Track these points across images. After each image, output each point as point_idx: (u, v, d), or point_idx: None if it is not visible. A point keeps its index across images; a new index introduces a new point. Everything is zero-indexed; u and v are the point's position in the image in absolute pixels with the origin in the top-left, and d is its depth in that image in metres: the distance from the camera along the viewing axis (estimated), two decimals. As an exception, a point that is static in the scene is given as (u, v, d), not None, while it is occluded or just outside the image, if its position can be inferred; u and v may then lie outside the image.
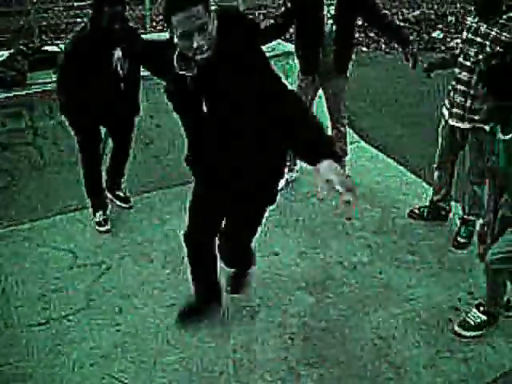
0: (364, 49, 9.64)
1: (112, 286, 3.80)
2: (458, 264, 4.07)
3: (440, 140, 4.24)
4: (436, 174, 4.40)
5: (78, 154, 4.30)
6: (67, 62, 3.92)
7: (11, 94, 4.75)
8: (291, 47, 5.55)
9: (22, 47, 5.50)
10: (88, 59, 3.78)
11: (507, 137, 3.02)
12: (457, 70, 3.88)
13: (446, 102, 4.06)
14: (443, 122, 4.14)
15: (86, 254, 4.09)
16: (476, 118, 3.79)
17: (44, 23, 9.77)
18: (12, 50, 5.34)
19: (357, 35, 9.98)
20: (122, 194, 4.72)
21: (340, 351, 3.32)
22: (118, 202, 4.68)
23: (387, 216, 4.61)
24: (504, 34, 3.54)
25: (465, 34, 3.80)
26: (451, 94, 3.97)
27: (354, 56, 4.75)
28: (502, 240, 3.23)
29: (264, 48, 2.52)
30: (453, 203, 4.56)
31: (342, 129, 4.84)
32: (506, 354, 3.34)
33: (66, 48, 4.01)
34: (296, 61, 4.94)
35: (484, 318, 3.43)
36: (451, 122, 4.00)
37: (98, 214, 4.39)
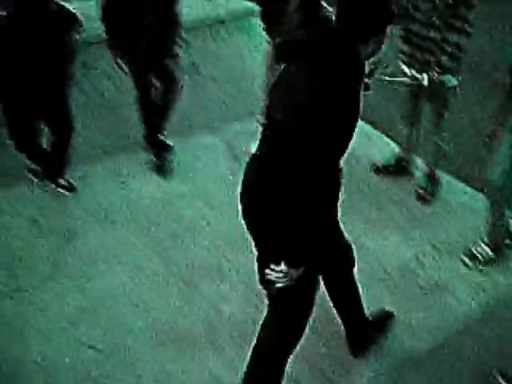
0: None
1: (77, 252, 3.76)
2: (423, 219, 4.13)
3: (403, 96, 4.26)
4: (400, 129, 4.45)
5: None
6: None
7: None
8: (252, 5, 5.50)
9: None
10: None
11: None
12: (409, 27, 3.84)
13: (403, 57, 4.04)
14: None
15: (49, 222, 4.03)
16: (434, 70, 3.82)
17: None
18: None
19: None
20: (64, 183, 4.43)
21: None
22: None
23: (353, 173, 4.61)
24: None
25: None
26: (406, 49, 3.96)
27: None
28: (502, 156, 3.38)
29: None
30: (417, 158, 4.60)
31: None
32: (468, 304, 3.43)
33: None
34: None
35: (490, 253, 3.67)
36: (407, 71, 4.00)
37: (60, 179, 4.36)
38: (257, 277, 2.63)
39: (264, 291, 2.60)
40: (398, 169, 4.56)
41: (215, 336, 3.19)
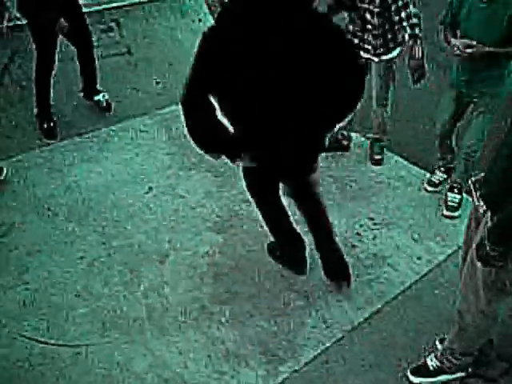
0: None
1: (16, 245, 3.69)
2: (360, 193, 4.23)
3: None
4: None
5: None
6: None
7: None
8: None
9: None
10: None
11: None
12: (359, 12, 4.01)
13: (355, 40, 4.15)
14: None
15: (-15, 215, 3.94)
16: (381, 50, 4.09)
17: None
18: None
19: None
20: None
21: (250, 286, 3.41)
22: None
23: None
24: None
25: None
26: (358, 33, 4.10)
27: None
28: (475, 130, 3.81)
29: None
30: (353, 134, 4.70)
31: None
32: (405, 273, 3.55)
33: None
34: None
35: (460, 196, 4.02)
36: (363, 55, 4.15)
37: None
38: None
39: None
40: (336, 145, 4.63)
41: (159, 320, 3.20)
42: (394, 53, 4.15)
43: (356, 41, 4.14)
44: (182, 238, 3.75)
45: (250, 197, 3.40)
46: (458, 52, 3.54)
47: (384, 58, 4.15)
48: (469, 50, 3.48)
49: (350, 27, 4.14)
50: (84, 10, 4.95)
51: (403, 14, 3.80)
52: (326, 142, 3.04)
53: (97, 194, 4.13)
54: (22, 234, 3.79)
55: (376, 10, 3.90)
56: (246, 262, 3.59)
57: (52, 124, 4.74)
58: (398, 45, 4.12)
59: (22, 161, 4.48)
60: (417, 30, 3.80)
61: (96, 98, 5.04)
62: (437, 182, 4.26)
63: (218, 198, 4.08)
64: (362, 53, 4.13)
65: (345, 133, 4.61)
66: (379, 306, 3.31)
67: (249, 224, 3.86)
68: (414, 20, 3.80)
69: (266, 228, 3.67)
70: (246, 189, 3.38)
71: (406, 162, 4.59)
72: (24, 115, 4.82)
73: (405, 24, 3.82)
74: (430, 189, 4.26)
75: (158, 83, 5.42)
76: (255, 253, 3.65)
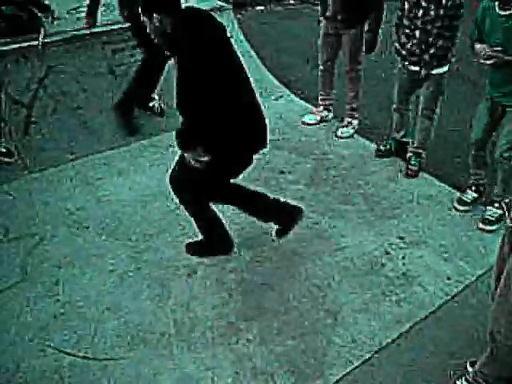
0: (292, 1, 9.56)
1: (47, 257, 3.74)
2: (389, 211, 4.21)
3: (397, 85, 4.64)
4: (395, 115, 4.80)
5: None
6: None
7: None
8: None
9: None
10: None
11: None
12: (407, 27, 4.28)
13: (403, 51, 4.38)
14: (399, 69, 4.53)
15: (17, 227, 3.99)
16: (434, 63, 4.26)
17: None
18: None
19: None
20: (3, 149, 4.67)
21: (278, 303, 3.40)
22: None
23: (319, 168, 4.69)
24: None
25: None
26: (405, 46, 4.34)
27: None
28: (507, 132, 3.83)
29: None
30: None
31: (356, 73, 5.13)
32: (435, 293, 3.51)
33: None
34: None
35: (500, 212, 3.97)
36: (412, 68, 4.37)
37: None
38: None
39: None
40: (400, 150, 4.88)
41: (187, 335, 3.20)
42: (445, 68, 4.31)
43: (404, 52, 4.36)
44: (212, 254, 3.77)
45: (188, 210, 3.58)
46: (482, 60, 3.72)
47: (435, 71, 4.29)
48: (491, 61, 3.67)
49: (402, 38, 4.36)
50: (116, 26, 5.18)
51: (450, 32, 4.12)
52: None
53: (127, 208, 4.17)
54: (53, 246, 3.83)
55: (435, 31, 4.12)
56: (274, 278, 3.58)
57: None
58: (448, 61, 4.30)
59: (55, 174, 4.55)
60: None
61: (151, 104, 5.27)
62: (468, 200, 4.21)
63: (246, 215, 4.09)
64: (410, 65, 4.34)
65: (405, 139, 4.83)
66: (408, 327, 3.28)
67: (276, 241, 3.85)
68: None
69: (293, 244, 3.69)
70: (185, 203, 3.56)
71: (436, 181, 4.56)
72: (57, 129, 4.90)
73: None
74: (460, 208, 4.21)
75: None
76: (283, 270, 3.65)
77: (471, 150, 4.14)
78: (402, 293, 3.51)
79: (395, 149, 4.90)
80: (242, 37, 6.20)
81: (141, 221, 4.05)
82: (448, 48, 4.21)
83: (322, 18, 4.98)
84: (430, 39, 4.18)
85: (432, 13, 4.09)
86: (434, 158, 4.85)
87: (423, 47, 4.23)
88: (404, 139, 4.88)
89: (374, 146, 5.04)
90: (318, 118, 5.44)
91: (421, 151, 4.68)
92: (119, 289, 3.50)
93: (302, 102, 5.80)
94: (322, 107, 5.46)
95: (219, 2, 6.11)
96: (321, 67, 5.27)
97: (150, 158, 4.71)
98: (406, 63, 4.40)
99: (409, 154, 4.73)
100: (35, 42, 4.90)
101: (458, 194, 4.33)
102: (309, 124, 5.39)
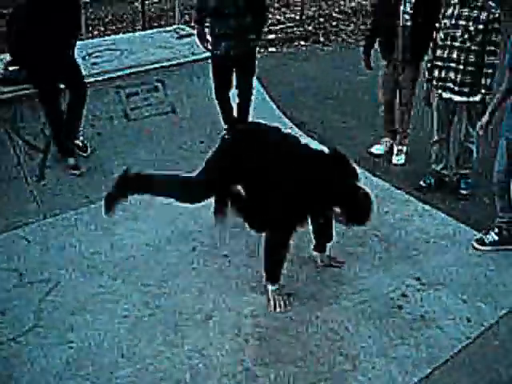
0: (302, 42, 9.69)
1: (61, 303, 3.72)
2: (405, 252, 4.16)
3: (436, 115, 4.85)
4: (435, 147, 4.97)
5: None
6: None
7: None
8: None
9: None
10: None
11: None
12: (442, 52, 4.55)
13: (439, 82, 4.64)
14: (437, 100, 4.75)
15: (31, 272, 3.98)
16: (466, 90, 4.50)
17: None
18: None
19: (295, 29, 10.12)
20: (80, 143, 5.10)
21: (295, 348, 3.35)
22: (77, 151, 5.07)
23: (334, 209, 4.67)
24: (482, 13, 4.33)
25: (446, 21, 4.49)
26: (440, 72, 4.60)
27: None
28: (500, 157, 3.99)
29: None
30: (397, 191, 4.77)
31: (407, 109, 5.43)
32: (454, 336, 3.43)
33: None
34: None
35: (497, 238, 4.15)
36: (445, 95, 4.63)
37: (70, 160, 4.92)
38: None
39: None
40: (440, 182, 5.04)
41: (203, 383, 3.14)
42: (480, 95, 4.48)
43: (440, 83, 4.61)
44: (226, 298, 3.72)
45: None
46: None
47: (471, 99, 4.50)
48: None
49: (435, 72, 4.63)
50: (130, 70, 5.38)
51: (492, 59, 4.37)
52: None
53: (141, 252, 4.16)
54: (68, 291, 3.81)
55: (474, 47, 4.37)
56: (291, 323, 3.53)
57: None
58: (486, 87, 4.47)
59: (70, 218, 4.57)
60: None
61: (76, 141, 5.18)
62: (487, 242, 4.16)
63: (261, 258, 4.05)
64: (446, 92, 4.57)
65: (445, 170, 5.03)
66: (428, 372, 3.20)
67: (292, 284, 3.81)
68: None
69: (309, 287, 3.65)
70: None
71: (452, 220, 4.51)
72: (72, 173, 4.93)
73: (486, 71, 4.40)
74: (481, 248, 4.15)
75: (201, 142, 5.50)
76: (300, 314, 3.59)
77: (494, 190, 4.16)
78: (421, 336, 3.44)
79: (435, 182, 5.03)
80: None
81: (155, 265, 4.03)
82: (490, 74, 4.40)
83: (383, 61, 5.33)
84: (470, 57, 4.39)
85: (471, 28, 4.32)
86: (450, 197, 4.83)
87: (461, 68, 4.44)
88: (444, 171, 5.01)
89: (387, 185, 5.02)
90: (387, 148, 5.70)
91: (467, 171, 4.87)
92: (133, 335, 3.46)
93: (316, 143, 5.80)
94: (387, 138, 5.72)
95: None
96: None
97: (165, 203, 4.70)
98: (441, 91, 4.62)
99: (455, 178, 4.95)
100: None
101: (480, 234, 4.26)
102: (376, 155, 5.66)
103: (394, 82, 5.32)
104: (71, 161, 4.98)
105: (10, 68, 5.05)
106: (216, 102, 5.58)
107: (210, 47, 5.29)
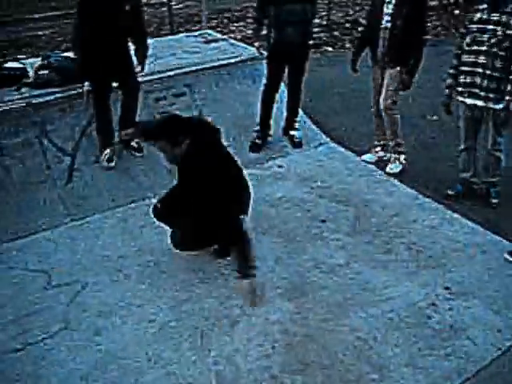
0: (329, 49, 9.66)
1: (89, 305, 3.74)
2: (434, 261, 4.10)
3: (462, 124, 4.81)
4: (462, 155, 4.93)
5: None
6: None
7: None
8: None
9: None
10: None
11: None
12: (468, 56, 4.52)
13: (465, 89, 4.58)
14: (462, 108, 4.71)
15: (60, 274, 4.01)
16: (491, 95, 4.45)
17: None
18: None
19: (322, 35, 10.09)
20: (135, 144, 5.19)
21: (322, 356, 3.32)
22: (132, 152, 5.21)
23: (360, 216, 4.63)
24: None
25: (473, 26, 4.47)
26: (466, 77, 4.55)
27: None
28: None
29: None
30: (421, 196, 4.83)
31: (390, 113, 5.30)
32: (485, 347, 3.37)
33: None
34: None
35: None
36: (470, 102, 4.58)
37: (106, 151, 4.96)
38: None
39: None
40: (470, 191, 4.97)
41: (230, 389, 3.14)
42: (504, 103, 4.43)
43: (466, 89, 4.55)
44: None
45: None
46: None
47: (497, 106, 4.44)
48: None
49: (461, 78, 4.57)
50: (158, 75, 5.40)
51: None
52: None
53: (168, 256, 4.16)
54: (95, 294, 3.83)
55: (501, 53, 4.34)
56: (318, 330, 3.50)
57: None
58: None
59: (97, 221, 4.60)
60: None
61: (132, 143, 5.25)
62: None
63: (288, 265, 4.05)
64: (471, 99, 4.53)
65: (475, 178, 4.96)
66: (459, 383, 3.15)
67: (319, 291, 3.79)
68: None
69: (336, 295, 3.61)
70: None
71: (481, 229, 4.45)
72: (98, 176, 4.95)
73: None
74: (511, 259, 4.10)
75: (228, 146, 5.48)
76: (327, 322, 3.56)
77: None
78: (450, 346, 3.39)
79: (463, 190, 4.97)
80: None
81: (182, 270, 4.03)
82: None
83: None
84: (496, 62, 4.35)
85: (499, 33, 4.29)
86: (478, 205, 4.78)
87: (487, 73, 4.39)
88: (473, 179, 4.95)
89: (415, 193, 4.97)
90: (376, 157, 5.61)
91: (495, 180, 4.82)
92: (160, 339, 3.46)
93: (342, 150, 5.78)
94: (378, 148, 5.62)
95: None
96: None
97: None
98: (466, 97, 4.57)
99: (484, 187, 4.90)
100: (80, 91, 5.02)
101: (504, 241, 4.21)
102: (368, 162, 5.56)
103: (380, 86, 5.26)
104: (134, 144, 5.18)
105: (40, 72, 5.12)
106: (260, 104, 5.64)
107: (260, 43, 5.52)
